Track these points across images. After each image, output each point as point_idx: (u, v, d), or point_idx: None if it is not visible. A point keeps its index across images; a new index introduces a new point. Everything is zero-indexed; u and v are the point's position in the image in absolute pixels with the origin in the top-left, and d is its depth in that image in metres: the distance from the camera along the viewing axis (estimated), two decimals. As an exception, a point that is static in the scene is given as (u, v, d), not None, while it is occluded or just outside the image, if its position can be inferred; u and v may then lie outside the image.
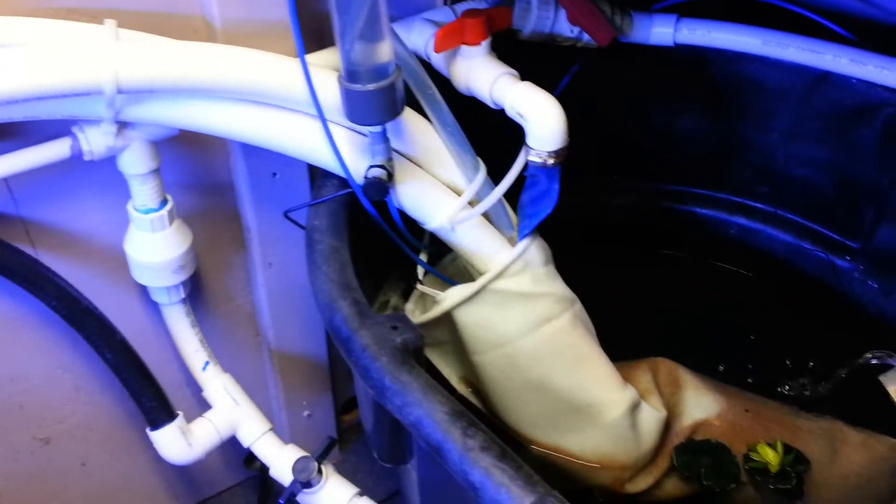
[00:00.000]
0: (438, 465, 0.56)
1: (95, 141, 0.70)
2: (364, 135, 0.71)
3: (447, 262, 0.90)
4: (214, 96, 0.70)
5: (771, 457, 0.84)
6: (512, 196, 0.80)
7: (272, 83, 0.69)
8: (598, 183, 1.13)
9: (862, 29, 0.89)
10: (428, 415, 0.55)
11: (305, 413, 1.09)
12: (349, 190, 0.74)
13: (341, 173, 0.73)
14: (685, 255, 1.13)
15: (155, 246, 0.79)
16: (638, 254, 1.13)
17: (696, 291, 1.10)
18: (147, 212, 0.77)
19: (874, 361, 0.91)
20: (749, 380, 0.97)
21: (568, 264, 0.98)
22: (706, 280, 1.12)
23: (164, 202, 0.78)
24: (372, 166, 0.70)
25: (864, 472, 0.87)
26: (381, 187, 0.69)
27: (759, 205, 1.07)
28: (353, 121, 0.67)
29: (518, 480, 0.51)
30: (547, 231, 0.91)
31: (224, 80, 0.68)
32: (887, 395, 0.91)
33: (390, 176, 0.70)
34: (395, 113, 0.67)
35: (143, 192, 0.76)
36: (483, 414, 0.90)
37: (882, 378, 0.92)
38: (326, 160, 0.73)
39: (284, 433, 1.10)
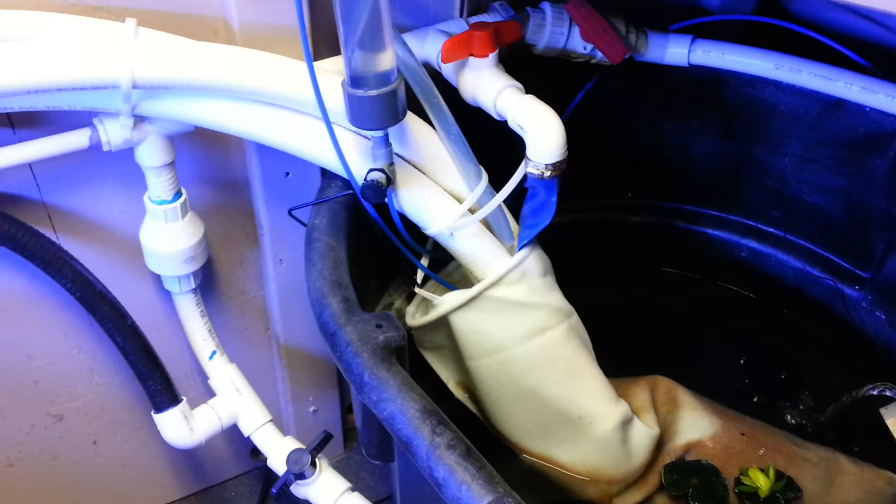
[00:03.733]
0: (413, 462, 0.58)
1: (113, 133, 0.74)
2: (368, 139, 0.73)
3: (452, 269, 0.92)
4: (227, 96, 0.73)
5: (762, 482, 0.83)
6: (516, 206, 0.82)
7: (282, 86, 0.72)
8: (614, 200, 1.13)
9: (880, 55, 0.88)
10: (401, 411, 0.57)
11: (311, 409, 1.12)
12: (351, 191, 0.77)
13: (345, 175, 0.76)
14: (695, 275, 1.13)
15: (167, 236, 0.82)
16: (649, 271, 1.13)
17: (703, 312, 1.10)
18: (161, 203, 0.80)
19: (875, 393, 0.90)
20: (749, 403, 0.96)
21: (579, 279, 0.99)
22: (714, 301, 1.11)
23: (177, 194, 0.81)
24: (372, 170, 0.72)
25: (859, 504, 0.87)
26: (378, 190, 0.71)
27: (770, 229, 1.07)
28: (355, 125, 0.70)
29: (479, 479, 0.53)
30: (560, 244, 0.93)
31: (235, 82, 0.71)
32: (887, 428, 0.90)
33: (389, 180, 0.72)
34: (396, 119, 0.69)
35: (159, 184, 0.79)
36: (478, 419, 0.92)
37: (883, 411, 0.91)
38: (331, 162, 0.76)
39: (290, 427, 1.13)
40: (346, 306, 0.65)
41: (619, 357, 1.01)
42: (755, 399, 0.98)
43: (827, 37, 0.90)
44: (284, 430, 1.11)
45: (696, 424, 0.90)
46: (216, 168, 0.89)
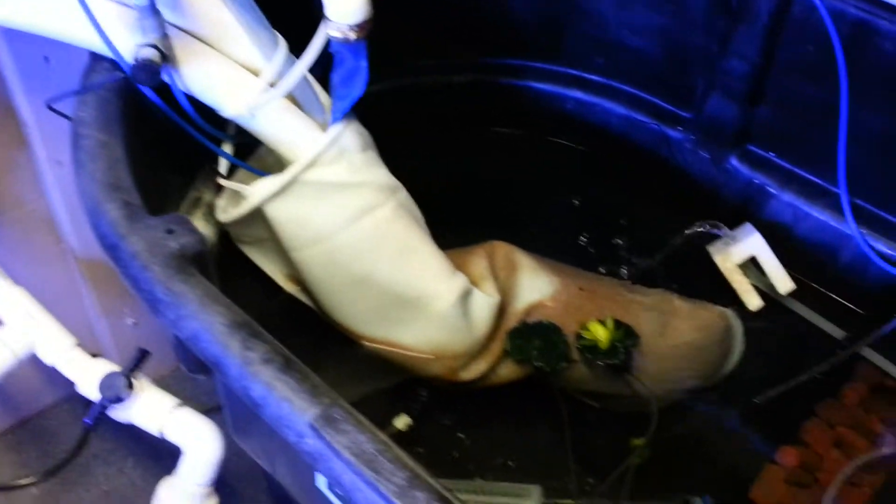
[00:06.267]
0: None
1: None
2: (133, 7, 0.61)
3: (264, 153, 0.83)
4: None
5: (601, 334, 0.83)
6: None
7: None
8: (434, 61, 1.06)
9: None
10: (205, 328, 0.50)
11: (130, 321, 1.02)
12: (122, 75, 0.65)
13: (110, 54, 0.64)
14: (523, 132, 1.09)
15: None
16: (476, 133, 1.09)
17: (534, 169, 1.08)
18: None
19: (702, 232, 0.91)
20: (586, 255, 0.96)
21: (404, 149, 0.92)
22: (544, 157, 1.09)
23: None
24: (142, 46, 0.61)
25: (694, 341, 0.89)
26: (151, 70, 0.60)
27: (594, 77, 1.03)
28: (109, -10, 0.57)
29: (302, 392, 0.47)
30: (379, 114, 0.85)
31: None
32: (715, 264, 0.92)
33: (164, 56, 0.61)
34: (160, -19, 0.58)
35: None
36: (313, 311, 0.86)
37: (710, 248, 0.93)
38: (91, 39, 0.63)
39: (108, 345, 1.02)
40: (127, 212, 0.55)
41: (455, 227, 0.97)
42: (591, 250, 0.98)
43: None
44: (104, 350, 1.01)
45: (536, 285, 0.88)
46: (-47, 59, 0.73)
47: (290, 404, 0.46)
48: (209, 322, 0.50)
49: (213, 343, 0.49)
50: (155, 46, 0.61)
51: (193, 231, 0.55)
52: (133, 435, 0.89)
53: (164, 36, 0.62)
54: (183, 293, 0.51)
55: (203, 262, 0.55)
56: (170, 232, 0.54)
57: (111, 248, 0.54)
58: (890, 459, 0.81)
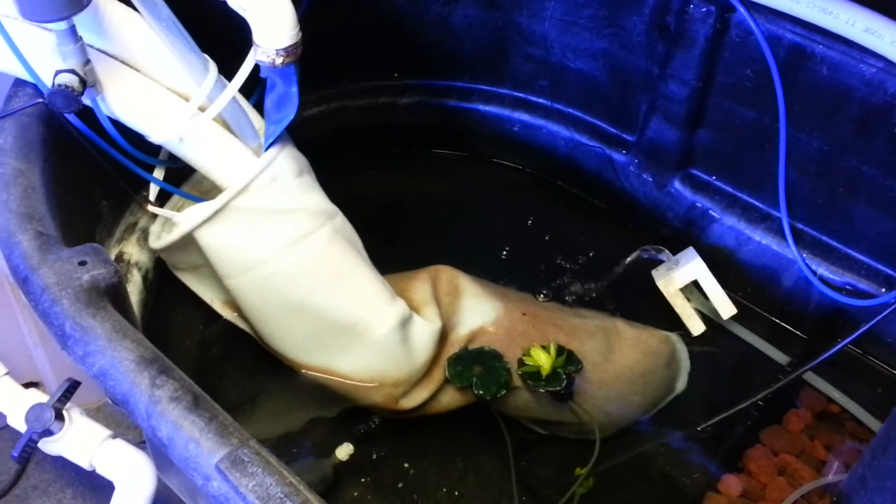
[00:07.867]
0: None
1: None
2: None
3: (200, 177, 0.81)
4: None
5: (543, 360, 0.82)
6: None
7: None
8: (381, 83, 1.05)
9: None
10: (113, 365, 0.48)
11: (68, 348, 0.99)
12: (40, 101, 0.63)
13: (32, 80, 0.62)
14: (469, 154, 1.09)
15: None
16: (423, 155, 1.08)
17: (482, 192, 1.07)
18: None
19: (646, 256, 0.91)
20: (533, 279, 0.95)
21: (347, 171, 0.91)
22: (490, 180, 1.08)
23: None
24: (60, 72, 0.59)
25: (638, 366, 0.88)
26: (69, 97, 0.59)
27: (539, 99, 1.03)
28: (26, 17, 0.56)
29: (209, 433, 0.46)
30: (323, 137, 0.83)
31: None
32: (658, 289, 0.92)
33: (84, 83, 0.60)
34: (78, 6, 0.56)
35: None
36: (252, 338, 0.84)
37: (653, 272, 0.93)
38: (13, 65, 0.62)
39: (46, 372, 1.00)
40: (39, 243, 0.54)
41: (399, 250, 0.96)
42: (535, 274, 0.97)
43: None
44: (44, 379, 0.99)
45: (479, 311, 0.87)
46: None
47: (198, 445, 0.45)
48: (117, 358, 0.48)
49: (122, 381, 0.47)
50: (74, 72, 0.59)
51: (107, 262, 0.53)
52: (73, 465, 0.86)
53: (87, 61, 0.60)
54: (91, 328, 0.49)
55: (117, 293, 0.54)
56: (82, 264, 0.53)
57: (23, 281, 0.52)
58: (834, 488, 0.80)
